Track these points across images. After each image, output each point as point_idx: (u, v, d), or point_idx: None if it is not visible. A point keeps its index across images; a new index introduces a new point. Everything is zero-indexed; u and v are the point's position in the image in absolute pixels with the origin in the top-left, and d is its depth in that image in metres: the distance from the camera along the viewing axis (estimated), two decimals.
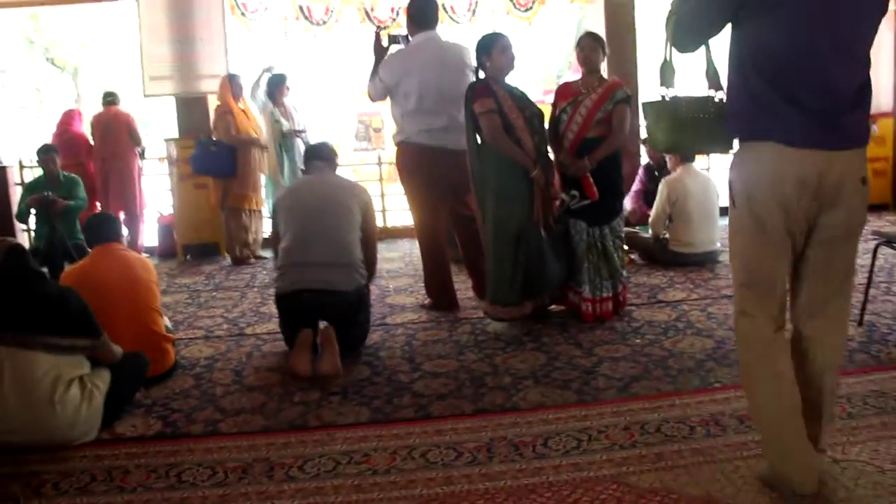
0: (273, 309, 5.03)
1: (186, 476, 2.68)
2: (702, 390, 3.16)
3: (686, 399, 3.04)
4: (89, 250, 3.90)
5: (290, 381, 3.60)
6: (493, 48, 4.05)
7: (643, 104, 2.66)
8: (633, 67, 7.31)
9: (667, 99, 2.47)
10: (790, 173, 2.09)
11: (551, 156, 4.28)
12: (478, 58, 4.15)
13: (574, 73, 10.42)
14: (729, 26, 2.20)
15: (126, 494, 2.60)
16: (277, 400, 3.37)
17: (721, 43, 2.33)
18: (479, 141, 4.13)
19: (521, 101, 4.13)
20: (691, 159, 5.68)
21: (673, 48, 2.38)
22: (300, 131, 7.04)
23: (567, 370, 3.50)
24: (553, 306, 4.45)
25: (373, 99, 4.85)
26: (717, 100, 2.40)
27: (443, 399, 3.25)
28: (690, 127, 2.39)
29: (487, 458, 2.65)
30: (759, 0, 2.07)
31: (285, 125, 6.94)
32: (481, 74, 4.16)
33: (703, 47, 2.35)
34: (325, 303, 3.79)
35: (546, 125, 4.31)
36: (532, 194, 4.03)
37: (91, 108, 9.02)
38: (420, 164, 4.54)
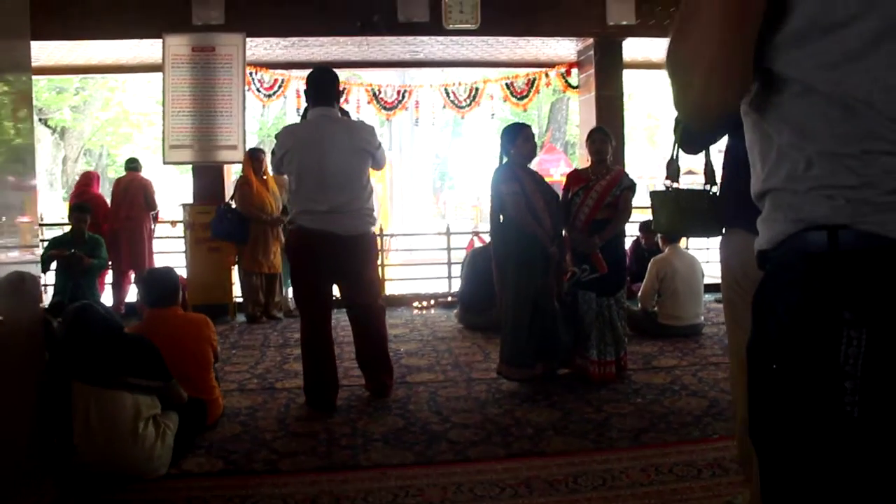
0: (298, 366, 5.42)
1: None
2: (703, 440, 3.65)
3: (690, 447, 3.53)
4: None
5: (334, 427, 4.01)
6: (517, 137, 4.61)
7: (651, 193, 3.22)
8: (621, 155, 7.95)
9: (670, 190, 3.02)
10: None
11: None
12: (502, 145, 4.70)
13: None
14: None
15: None
16: (326, 444, 3.77)
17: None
18: (500, 219, 4.65)
19: (541, 186, 4.68)
20: (677, 240, 6.26)
21: (680, 149, 2.94)
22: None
23: (582, 423, 3.97)
24: (561, 370, 4.90)
25: (272, 171, 5.03)
26: (711, 193, 2.94)
27: (476, 445, 3.68)
28: (688, 214, 2.90)
29: (528, 492, 3.08)
30: None
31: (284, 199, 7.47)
32: (504, 159, 4.71)
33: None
34: None
35: None
36: (548, 267, 4.54)
37: (75, 168, 9.32)
38: (302, 249, 4.34)
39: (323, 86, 4.43)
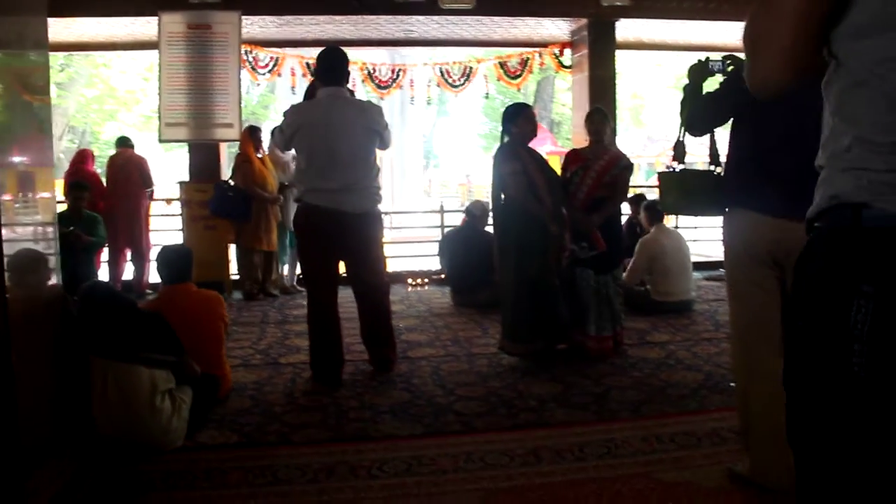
0: (300, 342, 5.54)
1: (281, 475, 3.16)
2: (701, 412, 3.80)
3: (689, 418, 3.68)
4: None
5: (341, 400, 4.12)
6: (518, 117, 4.70)
7: (658, 174, 3.34)
8: (612, 134, 8.05)
9: (677, 171, 3.14)
10: (762, 235, 2.67)
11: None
12: (504, 125, 4.79)
13: None
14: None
15: (231, 489, 3.07)
16: (335, 416, 3.89)
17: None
18: (502, 198, 4.75)
19: (542, 165, 4.78)
20: (662, 219, 6.37)
21: (686, 131, 3.07)
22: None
23: (583, 396, 4.11)
24: (559, 345, 5.01)
25: (278, 149, 5.10)
26: (715, 174, 3.06)
27: (482, 417, 3.81)
28: (694, 194, 3.04)
29: (536, 460, 3.22)
30: (752, 108, 2.68)
31: (281, 177, 7.54)
32: (505, 139, 4.80)
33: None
34: None
35: None
36: (548, 245, 4.66)
37: (60, 145, 9.18)
38: (311, 226, 4.40)
39: (333, 66, 4.46)
